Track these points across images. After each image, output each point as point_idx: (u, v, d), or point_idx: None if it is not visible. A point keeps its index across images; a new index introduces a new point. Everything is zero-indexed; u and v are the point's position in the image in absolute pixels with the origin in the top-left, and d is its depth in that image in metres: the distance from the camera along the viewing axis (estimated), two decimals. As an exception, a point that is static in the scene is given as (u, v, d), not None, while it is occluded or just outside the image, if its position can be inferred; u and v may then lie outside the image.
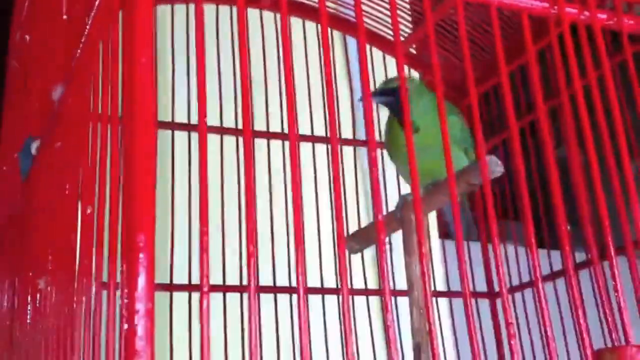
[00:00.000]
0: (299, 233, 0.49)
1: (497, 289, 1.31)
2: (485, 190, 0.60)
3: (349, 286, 1.12)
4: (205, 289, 0.41)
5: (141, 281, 0.37)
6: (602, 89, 0.76)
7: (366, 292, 1.22)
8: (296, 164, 0.52)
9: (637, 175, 0.67)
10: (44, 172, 0.67)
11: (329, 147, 1.22)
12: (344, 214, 1.18)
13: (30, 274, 0.66)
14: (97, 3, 0.49)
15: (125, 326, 0.36)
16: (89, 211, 0.47)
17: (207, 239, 0.42)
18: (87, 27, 0.51)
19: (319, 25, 1.28)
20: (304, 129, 1.23)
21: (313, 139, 1.24)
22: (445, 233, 1.46)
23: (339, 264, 0.51)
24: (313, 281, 1.17)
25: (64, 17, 0.62)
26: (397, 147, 0.98)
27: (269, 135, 1.19)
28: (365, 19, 1.32)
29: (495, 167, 0.76)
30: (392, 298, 1.28)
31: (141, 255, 0.38)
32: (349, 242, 0.96)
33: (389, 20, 1.30)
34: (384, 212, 1.39)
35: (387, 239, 1.58)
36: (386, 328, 0.47)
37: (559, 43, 0.64)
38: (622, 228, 0.58)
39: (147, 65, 0.39)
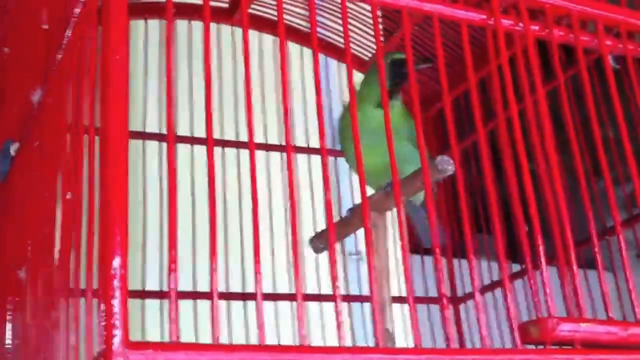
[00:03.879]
0: (257, 240, 0.55)
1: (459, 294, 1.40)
2: (427, 189, 0.67)
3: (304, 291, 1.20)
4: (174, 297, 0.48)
5: (117, 250, 0.44)
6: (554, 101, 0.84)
7: (319, 297, 1.29)
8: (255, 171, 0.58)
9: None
10: (24, 169, 0.74)
11: (283, 155, 1.30)
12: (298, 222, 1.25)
13: (11, 265, 0.73)
14: (77, 11, 0.57)
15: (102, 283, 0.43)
16: (68, 196, 0.54)
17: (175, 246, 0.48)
18: (67, 34, 0.59)
19: (302, 48, 1.38)
20: (257, 137, 1.30)
21: (267, 147, 1.32)
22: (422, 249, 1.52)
23: (294, 270, 0.57)
24: (265, 287, 1.24)
25: (45, 27, 0.69)
26: (367, 125, 1.02)
27: (223, 143, 1.27)
28: (336, 37, 1.41)
29: (447, 165, 0.83)
30: (360, 304, 1.36)
31: (115, 231, 0.45)
32: (314, 242, 1.04)
33: (358, 37, 1.39)
34: (339, 216, 1.47)
35: (357, 250, 1.65)
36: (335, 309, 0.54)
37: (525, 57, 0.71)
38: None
39: (122, 61, 0.46)
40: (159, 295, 1.14)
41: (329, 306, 1.29)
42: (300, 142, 1.35)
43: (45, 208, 0.63)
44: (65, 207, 0.56)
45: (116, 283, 0.43)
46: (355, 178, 1.31)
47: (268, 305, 1.23)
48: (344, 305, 1.32)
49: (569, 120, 0.74)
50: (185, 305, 1.16)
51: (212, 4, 1.32)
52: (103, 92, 0.47)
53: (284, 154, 1.31)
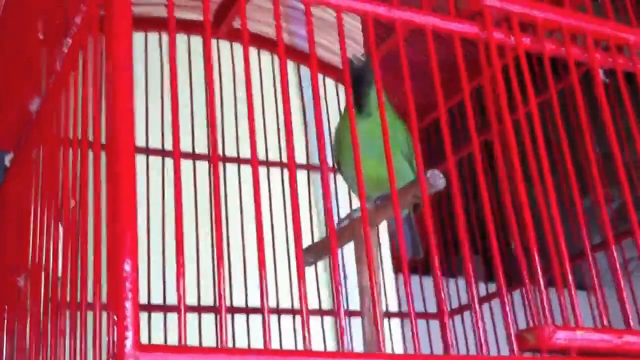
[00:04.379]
0: (262, 255, 0.57)
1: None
2: (425, 204, 0.68)
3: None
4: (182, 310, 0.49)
5: (128, 254, 0.45)
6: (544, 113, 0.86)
7: (320, 312, 1.30)
8: (258, 187, 0.60)
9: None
10: (20, 178, 0.75)
11: (283, 170, 1.32)
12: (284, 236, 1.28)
13: (9, 273, 0.74)
14: (78, 19, 0.58)
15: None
16: (72, 205, 0.56)
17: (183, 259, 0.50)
18: (68, 41, 0.60)
19: (273, 55, 1.40)
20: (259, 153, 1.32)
21: (267, 163, 1.33)
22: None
23: (298, 286, 0.58)
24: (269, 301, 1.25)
25: (40, 36, 0.71)
26: (346, 134, 1.02)
27: (224, 159, 1.28)
28: (318, 49, 1.43)
29: (438, 180, 0.85)
30: (347, 318, 1.37)
31: (126, 235, 0.46)
32: (304, 256, 1.05)
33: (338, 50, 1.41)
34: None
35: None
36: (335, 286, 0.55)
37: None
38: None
39: (127, 69, 0.48)
40: (163, 308, 1.16)
41: (315, 321, 1.31)
42: (300, 159, 1.38)
43: (45, 216, 0.64)
44: (68, 216, 0.57)
45: (128, 286, 0.44)
46: (341, 192, 1.33)
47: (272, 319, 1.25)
48: (328, 320, 1.34)
49: (561, 132, 0.76)
50: (189, 320, 1.18)
51: (197, 17, 1.34)
52: (110, 95, 0.49)
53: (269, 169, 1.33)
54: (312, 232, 1.33)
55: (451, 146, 1.26)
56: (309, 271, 1.24)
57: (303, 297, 0.55)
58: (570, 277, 0.66)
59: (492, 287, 1.37)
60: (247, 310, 1.24)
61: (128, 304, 0.44)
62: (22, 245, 0.71)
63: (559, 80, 1.17)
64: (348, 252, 1.07)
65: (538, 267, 0.66)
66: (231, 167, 1.30)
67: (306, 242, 1.21)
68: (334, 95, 1.46)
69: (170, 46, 0.57)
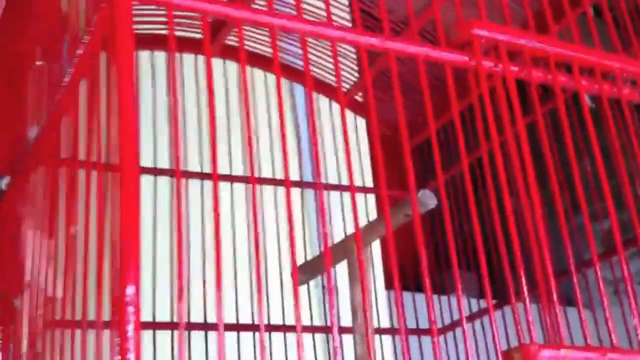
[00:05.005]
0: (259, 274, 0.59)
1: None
2: (416, 223, 0.71)
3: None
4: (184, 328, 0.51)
5: (131, 279, 0.48)
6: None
7: (311, 328, 1.33)
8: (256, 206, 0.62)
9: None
10: (17, 202, 0.77)
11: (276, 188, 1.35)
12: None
13: (5, 295, 0.76)
14: (80, 49, 0.61)
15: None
16: (73, 230, 0.58)
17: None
18: (69, 69, 0.62)
19: (266, 72, 1.42)
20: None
21: (260, 180, 1.36)
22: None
23: (294, 303, 0.60)
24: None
25: (38, 63, 0.73)
26: None
27: (232, 179, 1.31)
28: (312, 68, 1.45)
29: (429, 200, 0.88)
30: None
31: (130, 261, 0.48)
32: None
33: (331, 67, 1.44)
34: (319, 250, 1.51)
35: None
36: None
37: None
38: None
39: (131, 90, 0.50)
40: (170, 326, 1.17)
41: (306, 337, 1.33)
42: (292, 176, 1.40)
43: (44, 240, 0.66)
44: (69, 241, 0.59)
45: (130, 309, 0.46)
46: (334, 211, 1.36)
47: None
48: (319, 336, 1.36)
49: (547, 153, 0.79)
50: (195, 337, 1.20)
51: (190, 34, 1.37)
52: (117, 117, 0.51)
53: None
54: (305, 249, 1.35)
55: (441, 165, 1.28)
56: (301, 288, 1.26)
57: (298, 318, 0.57)
58: (555, 296, 0.69)
59: (485, 303, 1.39)
60: (238, 327, 1.26)
61: (130, 328, 0.46)
62: (18, 266, 0.73)
63: (548, 101, 1.20)
64: (340, 270, 1.09)
65: (524, 284, 0.68)
66: (223, 185, 1.32)
67: (299, 259, 1.23)
68: (327, 112, 1.49)
69: (170, 69, 0.59)
